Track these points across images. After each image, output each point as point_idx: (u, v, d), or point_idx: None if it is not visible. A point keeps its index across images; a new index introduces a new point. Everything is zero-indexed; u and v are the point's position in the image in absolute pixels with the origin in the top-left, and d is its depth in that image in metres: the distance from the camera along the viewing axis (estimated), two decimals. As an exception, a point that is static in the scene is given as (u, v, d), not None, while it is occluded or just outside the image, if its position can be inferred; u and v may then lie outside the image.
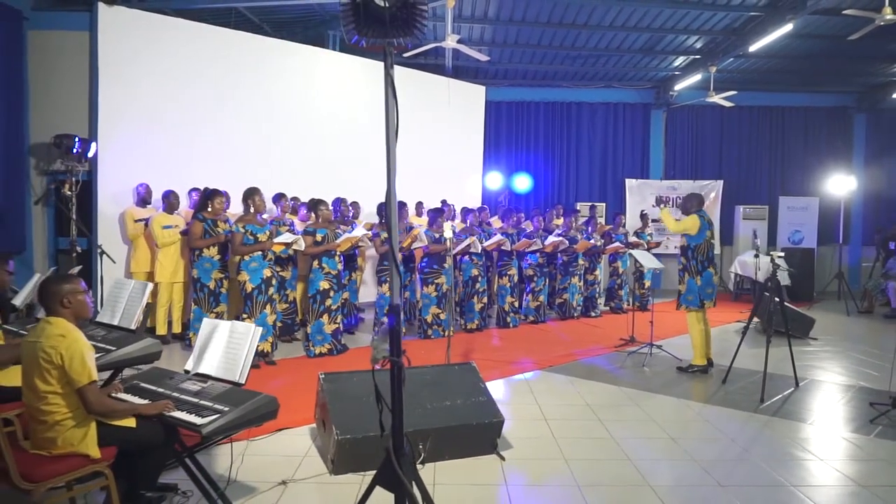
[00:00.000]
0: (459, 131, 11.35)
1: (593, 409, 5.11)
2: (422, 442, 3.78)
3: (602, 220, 11.48)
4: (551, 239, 8.98)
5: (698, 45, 10.69)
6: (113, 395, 3.16)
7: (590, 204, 11.80)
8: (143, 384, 3.32)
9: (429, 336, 7.60)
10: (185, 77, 7.93)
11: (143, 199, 7.23)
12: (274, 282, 6.22)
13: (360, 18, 2.12)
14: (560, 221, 10.03)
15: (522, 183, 12.41)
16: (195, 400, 3.05)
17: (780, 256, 5.82)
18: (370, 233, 7.37)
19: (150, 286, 4.17)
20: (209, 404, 2.99)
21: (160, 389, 3.22)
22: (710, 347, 6.36)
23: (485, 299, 8.45)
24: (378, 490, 2.54)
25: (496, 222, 9.76)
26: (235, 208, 7.12)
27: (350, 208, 8.34)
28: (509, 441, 4.28)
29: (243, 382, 3.16)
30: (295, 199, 8.06)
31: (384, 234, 7.23)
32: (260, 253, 6.08)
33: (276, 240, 6.31)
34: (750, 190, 12.99)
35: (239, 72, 8.45)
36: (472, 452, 4.03)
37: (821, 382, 6.00)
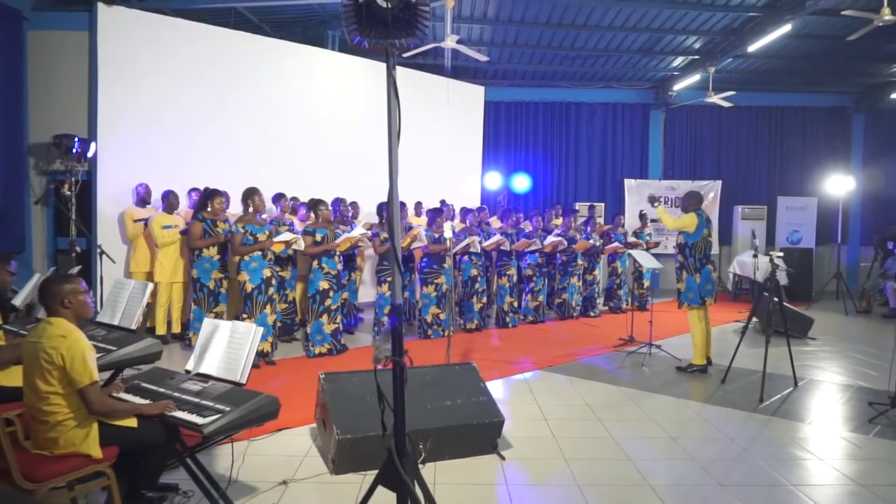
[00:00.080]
0: (458, 131, 11.36)
1: (593, 408, 5.12)
2: (422, 442, 3.79)
3: (601, 221, 11.50)
4: (550, 239, 8.99)
5: (697, 46, 10.71)
6: (114, 395, 3.17)
7: (588, 204, 11.81)
8: (144, 384, 3.32)
9: (428, 336, 7.61)
10: (184, 77, 7.93)
11: (143, 199, 7.23)
12: (274, 282, 6.23)
13: (362, 19, 2.12)
14: (559, 221, 10.05)
15: (521, 183, 12.41)
16: (196, 400, 3.06)
17: (779, 256, 5.83)
18: (369, 232, 7.38)
19: (151, 286, 4.17)
20: (210, 404, 2.99)
21: (161, 389, 3.23)
22: (710, 347, 6.38)
23: (484, 299, 8.46)
24: (378, 490, 2.55)
25: (495, 222, 9.77)
26: (235, 208, 7.12)
27: (349, 208, 8.35)
28: (509, 441, 4.29)
29: (244, 382, 3.16)
30: (294, 199, 8.07)
31: (383, 234, 7.24)
32: (260, 253, 6.08)
33: (275, 239, 6.32)
34: (748, 190, 13.01)
35: (238, 72, 8.45)
36: (472, 452, 4.03)
37: (819, 382, 6.02)
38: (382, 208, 7.47)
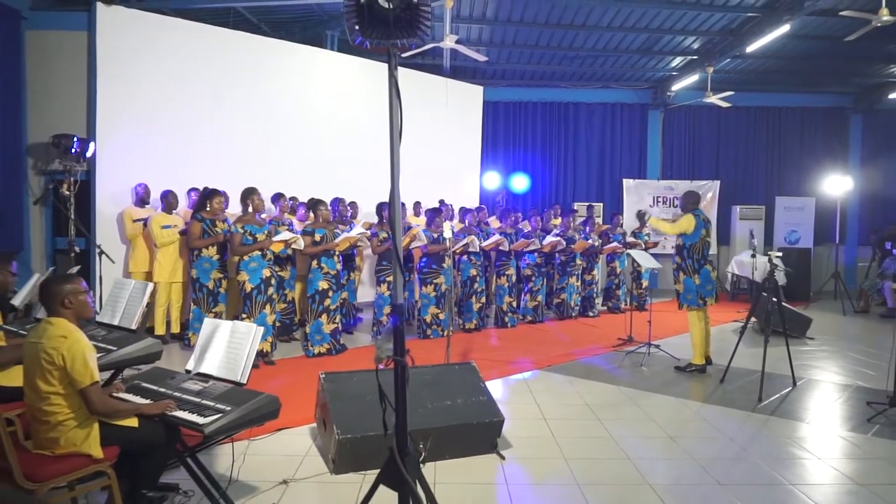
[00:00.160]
0: (457, 131, 11.36)
1: (592, 408, 5.12)
2: (422, 441, 3.80)
3: (599, 221, 11.51)
4: (549, 239, 9.00)
5: (695, 46, 10.72)
6: (114, 395, 3.17)
7: (587, 204, 11.82)
8: (144, 384, 3.32)
9: (428, 336, 7.61)
10: (183, 77, 7.93)
11: (142, 199, 7.22)
12: (273, 282, 6.23)
13: (363, 20, 2.12)
14: (558, 221, 10.06)
15: (520, 183, 12.42)
16: (197, 400, 3.06)
17: (777, 256, 5.85)
18: (368, 232, 7.38)
19: (151, 286, 4.17)
20: (211, 404, 2.99)
21: (162, 389, 3.23)
22: (710, 347, 6.39)
23: (483, 299, 8.47)
24: (378, 490, 2.55)
25: (494, 222, 9.78)
26: (234, 208, 7.11)
27: (348, 208, 8.35)
28: (509, 440, 4.30)
29: (245, 382, 3.17)
30: (293, 198, 8.07)
31: (382, 234, 7.25)
32: (259, 253, 6.08)
33: (274, 238, 6.31)
34: (747, 190, 13.03)
35: (237, 71, 8.45)
36: (472, 451, 4.04)
37: (818, 382, 6.03)
38: (382, 208, 7.47)
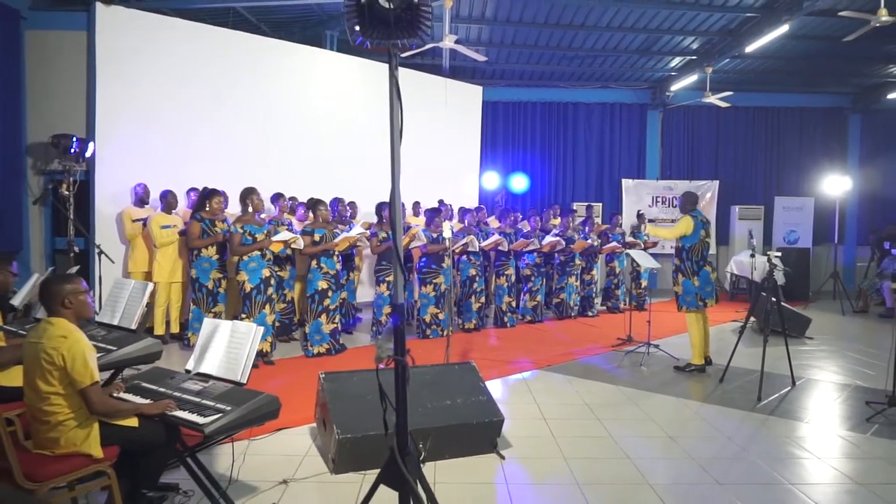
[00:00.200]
0: (456, 131, 11.36)
1: (591, 408, 5.13)
2: (422, 441, 3.80)
3: (599, 220, 11.51)
4: (549, 239, 9.00)
5: (695, 46, 10.73)
6: (114, 394, 3.17)
7: (586, 204, 11.83)
8: (144, 384, 3.32)
9: (427, 336, 7.62)
10: (183, 77, 7.92)
11: (141, 199, 7.22)
12: (272, 282, 6.23)
13: (364, 20, 2.13)
14: (557, 221, 10.07)
15: (519, 183, 12.42)
16: (197, 399, 3.06)
17: (776, 256, 5.85)
18: (368, 232, 7.38)
19: (151, 286, 4.17)
20: (211, 404, 2.99)
21: (162, 389, 3.23)
22: (709, 346, 6.39)
23: (482, 299, 8.47)
24: (379, 489, 2.55)
25: (493, 222, 9.78)
26: (233, 208, 7.11)
27: (347, 208, 8.35)
28: (509, 440, 4.30)
29: (245, 382, 3.17)
30: (293, 198, 8.07)
31: (382, 234, 7.25)
32: (258, 253, 6.08)
33: (274, 238, 6.31)
34: (746, 190, 13.04)
35: (237, 72, 8.44)
36: (472, 451, 4.04)
37: (817, 381, 6.04)
38: (381, 208, 7.47)
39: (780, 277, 7.82)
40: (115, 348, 3.65)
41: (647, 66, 11.92)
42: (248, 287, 6.02)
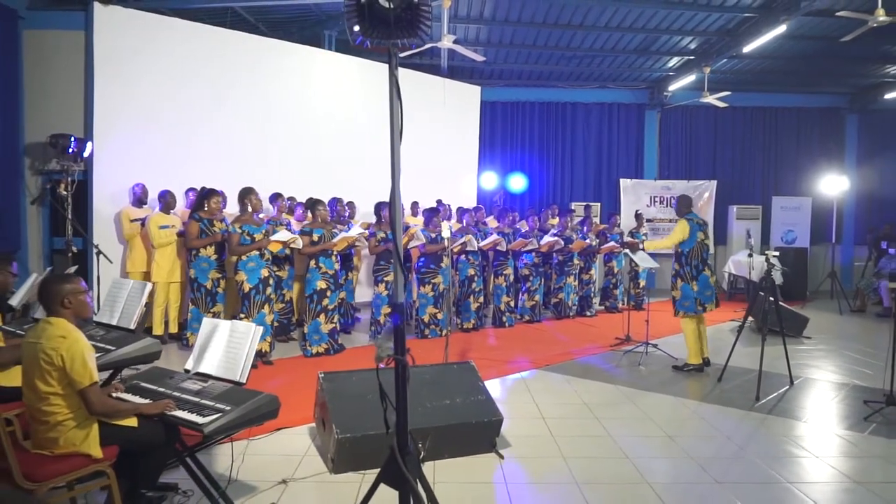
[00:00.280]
0: (455, 131, 11.37)
1: (590, 407, 5.14)
2: (421, 440, 3.80)
3: (597, 220, 11.52)
4: (547, 239, 9.01)
5: (692, 46, 10.75)
6: (114, 394, 3.16)
7: (585, 204, 11.84)
8: (143, 384, 3.32)
9: (426, 336, 7.62)
10: (181, 77, 7.92)
11: (139, 199, 7.21)
12: (271, 281, 6.23)
13: (364, 19, 2.13)
14: (555, 221, 10.07)
15: (517, 183, 12.43)
16: (196, 399, 3.06)
17: (774, 256, 5.86)
18: (367, 232, 7.38)
19: (150, 286, 4.17)
20: (210, 403, 2.99)
21: (161, 389, 3.23)
22: (707, 346, 6.39)
23: (481, 299, 8.47)
24: (378, 489, 2.55)
25: (492, 222, 9.78)
26: (232, 208, 7.11)
27: (346, 208, 8.35)
28: (508, 439, 4.30)
29: (244, 382, 3.17)
30: (291, 198, 8.06)
31: (380, 234, 7.25)
32: (257, 253, 6.07)
33: (272, 237, 6.31)
34: (743, 190, 13.06)
35: (235, 71, 8.44)
36: (471, 451, 4.05)
37: (815, 381, 6.05)
38: (380, 208, 7.46)
39: (777, 277, 7.83)
40: (113, 348, 3.65)
41: (645, 66, 11.94)
42: (246, 287, 6.01)
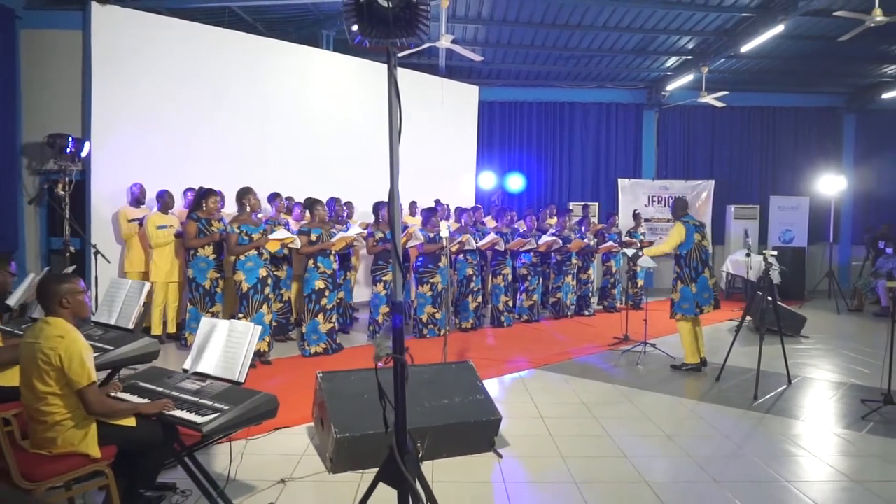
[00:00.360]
0: (453, 131, 11.36)
1: (589, 406, 5.14)
2: (420, 440, 3.80)
3: (595, 220, 11.53)
4: (545, 238, 9.01)
5: (690, 46, 10.76)
6: (112, 394, 3.16)
7: (583, 203, 11.85)
8: (141, 383, 3.32)
9: (424, 335, 7.62)
10: (179, 76, 7.90)
11: (137, 199, 7.20)
12: (269, 281, 6.22)
13: (363, 19, 2.13)
14: (553, 221, 10.08)
15: (516, 182, 12.44)
16: (195, 399, 3.06)
17: (772, 255, 5.87)
18: (365, 231, 7.38)
19: (148, 286, 4.17)
20: (209, 403, 2.99)
21: (159, 388, 3.22)
22: (703, 346, 6.39)
23: (479, 298, 8.48)
24: (377, 489, 2.55)
25: (490, 222, 9.79)
26: (230, 208, 7.10)
27: (344, 208, 8.34)
28: (506, 439, 4.31)
29: (243, 381, 3.16)
30: (289, 198, 8.06)
31: (378, 234, 7.24)
32: (255, 252, 6.07)
33: (270, 236, 6.29)
34: (741, 190, 13.07)
35: (233, 71, 8.42)
36: (469, 450, 4.05)
37: (813, 380, 6.07)
38: (378, 207, 7.46)
39: (775, 276, 7.85)
40: (111, 348, 3.64)
41: (643, 66, 11.95)
42: (245, 287, 6.01)
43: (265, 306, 6.11)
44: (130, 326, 3.92)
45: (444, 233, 6.36)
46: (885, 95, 12.10)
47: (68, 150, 7.20)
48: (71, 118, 7.62)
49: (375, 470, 2.55)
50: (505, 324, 8.61)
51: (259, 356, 6.08)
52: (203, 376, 3.29)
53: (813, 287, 11.99)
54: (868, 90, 12.68)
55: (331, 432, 3.65)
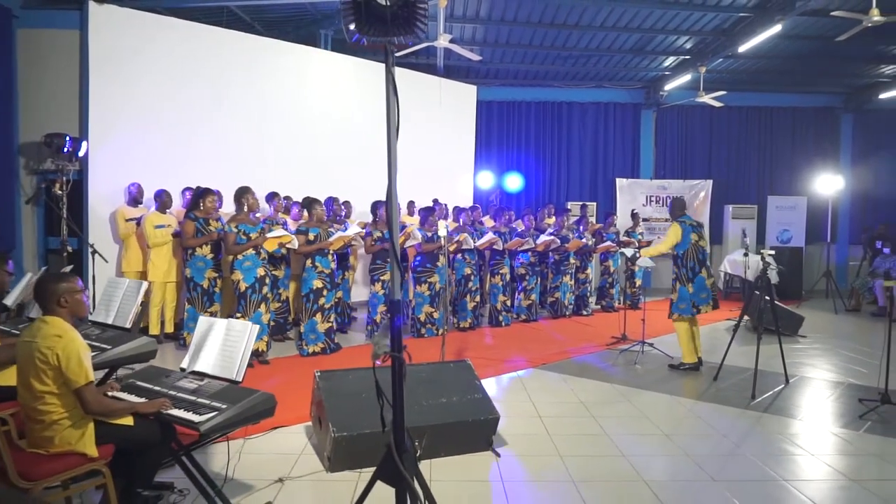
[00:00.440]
0: (451, 131, 11.36)
1: (587, 405, 5.14)
2: (418, 439, 3.80)
3: (593, 220, 11.54)
4: (543, 238, 9.02)
5: (688, 46, 10.77)
6: (109, 393, 3.15)
7: (581, 203, 11.86)
8: (139, 382, 3.31)
9: (422, 335, 7.62)
10: (177, 76, 7.89)
11: (135, 199, 7.20)
12: (267, 281, 6.22)
13: (361, 17, 2.13)
14: (552, 220, 10.08)
15: (514, 182, 12.44)
16: (192, 398, 3.05)
17: (770, 255, 5.87)
18: (363, 231, 7.38)
19: (146, 285, 4.16)
20: (207, 402, 2.98)
21: (157, 388, 3.22)
22: (700, 347, 6.38)
23: (477, 298, 8.48)
24: (375, 489, 2.55)
25: (488, 221, 9.79)
26: (228, 207, 7.10)
27: (342, 207, 8.34)
28: (504, 438, 4.31)
29: (240, 380, 3.16)
30: (287, 198, 8.05)
31: (376, 233, 7.24)
32: (253, 252, 6.07)
33: (268, 235, 6.29)
34: (739, 189, 13.09)
35: (231, 71, 8.42)
36: (467, 449, 4.05)
37: (810, 379, 6.07)
38: (376, 207, 7.46)
39: (773, 276, 7.87)
40: (109, 347, 3.64)
41: (641, 66, 11.96)
42: (242, 286, 6.01)
43: (263, 306, 6.10)
44: (128, 326, 3.92)
45: (442, 232, 6.36)
46: (883, 95, 12.12)
47: (65, 149, 7.19)
48: (68, 118, 7.61)
49: (373, 469, 2.55)
50: (503, 323, 8.61)
51: (257, 356, 6.08)
52: (201, 375, 3.28)
53: (810, 287, 12.01)
54: (865, 90, 12.71)
55: (329, 431, 3.65)
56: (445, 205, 9.67)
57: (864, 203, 13.21)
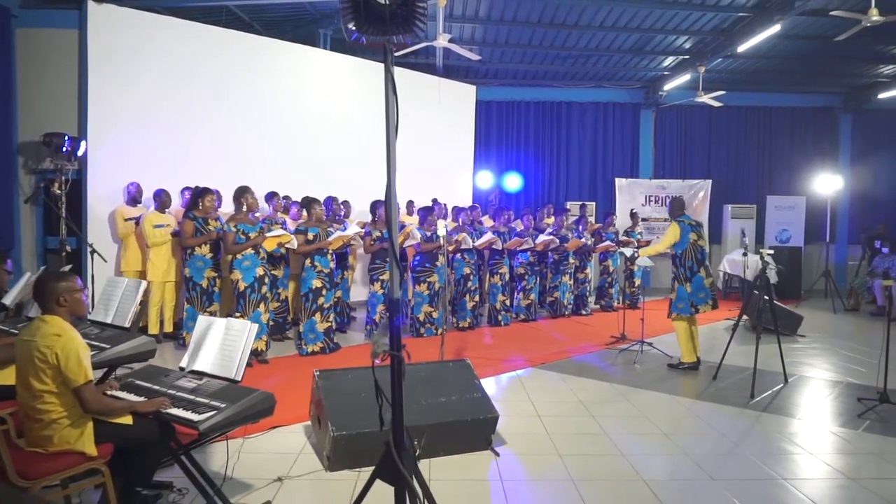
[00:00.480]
0: (450, 130, 11.37)
1: (586, 405, 5.14)
2: (417, 438, 3.80)
3: (592, 219, 11.55)
4: (542, 238, 9.02)
5: (687, 46, 10.78)
6: (108, 392, 3.15)
7: (580, 203, 11.86)
8: (138, 382, 3.31)
9: (421, 334, 7.62)
10: (176, 76, 7.89)
11: (134, 198, 7.19)
12: (266, 280, 6.22)
13: (360, 16, 2.13)
14: (551, 220, 10.08)
15: (513, 182, 12.44)
16: (191, 397, 3.05)
17: (769, 255, 5.88)
18: (363, 230, 7.38)
19: (145, 284, 4.16)
20: (206, 401, 2.98)
21: (156, 387, 3.21)
22: (698, 346, 6.38)
23: (476, 298, 8.48)
24: (374, 489, 2.55)
25: (487, 221, 9.79)
26: (227, 207, 7.09)
27: (341, 207, 8.34)
28: (503, 437, 4.31)
29: (239, 379, 3.16)
30: (286, 197, 8.05)
31: (376, 233, 7.24)
32: (253, 251, 6.06)
33: (267, 234, 6.28)
34: (738, 189, 13.10)
35: (231, 70, 8.42)
36: (466, 448, 4.05)
37: (809, 378, 6.08)
38: (376, 206, 7.46)
39: (772, 276, 7.87)
40: (108, 346, 3.63)
41: (640, 66, 11.96)
42: (242, 286, 6.01)
43: (262, 305, 6.10)
44: (127, 325, 3.91)
45: (441, 232, 6.36)
46: (882, 95, 12.13)
47: (64, 149, 7.19)
48: (67, 117, 7.60)
49: (373, 468, 2.55)
50: (502, 323, 8.62)
51: (256, 355, 6.08)
52: (200, 374, 3.28)
53: (809, 286, 12.02)
54: (864, 90, 12.72)
55: (328, 430, 3.65)
56: (444, 204, 9.67)
57: (863, 203, 13.22)
